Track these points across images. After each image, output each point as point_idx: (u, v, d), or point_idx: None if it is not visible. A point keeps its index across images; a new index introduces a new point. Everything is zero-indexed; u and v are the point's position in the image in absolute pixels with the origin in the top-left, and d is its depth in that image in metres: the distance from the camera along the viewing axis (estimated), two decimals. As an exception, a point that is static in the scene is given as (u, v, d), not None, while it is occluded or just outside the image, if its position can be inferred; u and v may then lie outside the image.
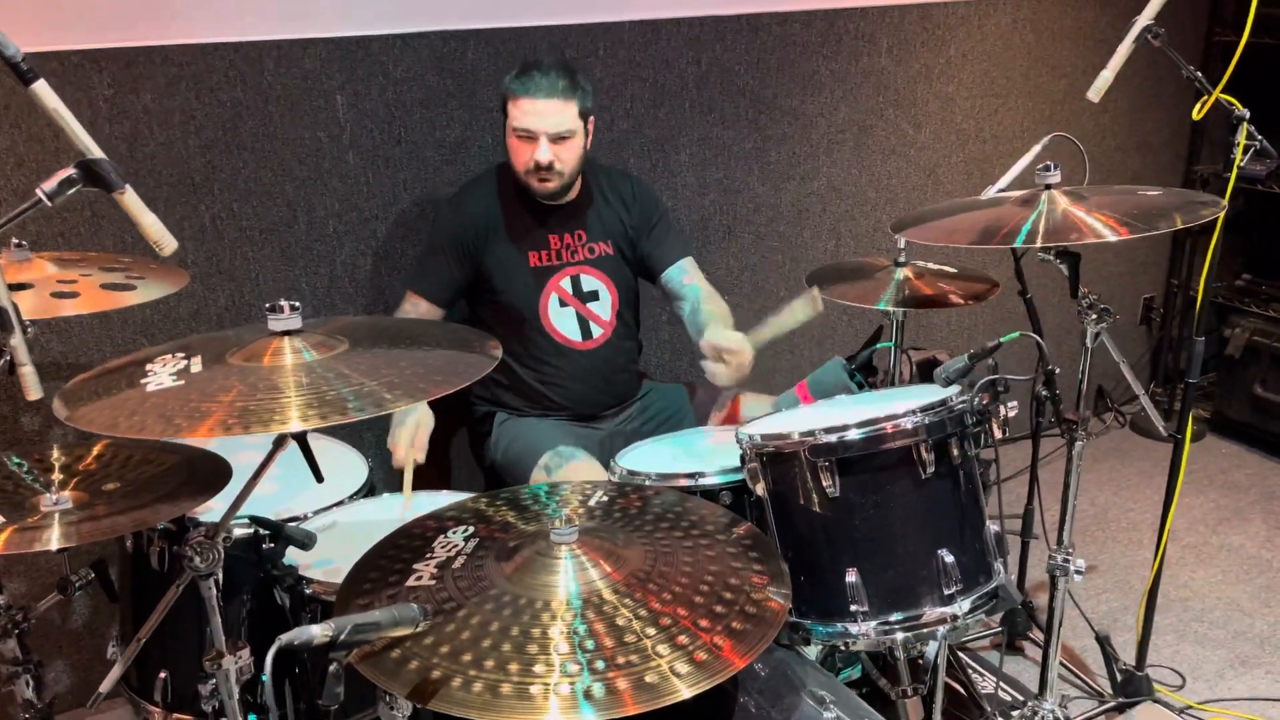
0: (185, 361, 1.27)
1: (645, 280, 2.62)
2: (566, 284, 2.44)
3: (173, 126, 2.37)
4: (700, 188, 3.03)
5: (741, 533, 1.56)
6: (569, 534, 1.45)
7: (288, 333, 1.33)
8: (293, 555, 1.73)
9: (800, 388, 2.04)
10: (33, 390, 1.48)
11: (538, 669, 1.24)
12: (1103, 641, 2.56)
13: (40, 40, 2.22)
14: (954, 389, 1.64)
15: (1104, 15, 3.55)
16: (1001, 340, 1.63)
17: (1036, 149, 2.22)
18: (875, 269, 2.33)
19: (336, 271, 2.61)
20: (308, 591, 1.70)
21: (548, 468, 2.26)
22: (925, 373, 3.22)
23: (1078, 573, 1.95)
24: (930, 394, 1.71)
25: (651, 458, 2.13)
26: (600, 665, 1.25)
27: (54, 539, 1.36)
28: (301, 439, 1.29)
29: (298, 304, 1.33)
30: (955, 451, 1.63)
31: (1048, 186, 1.83)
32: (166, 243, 1.27)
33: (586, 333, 2.46)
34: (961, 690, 2.30)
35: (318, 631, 1.01)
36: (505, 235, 2.40)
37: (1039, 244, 1.65)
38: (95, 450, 1.67)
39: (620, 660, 1.26)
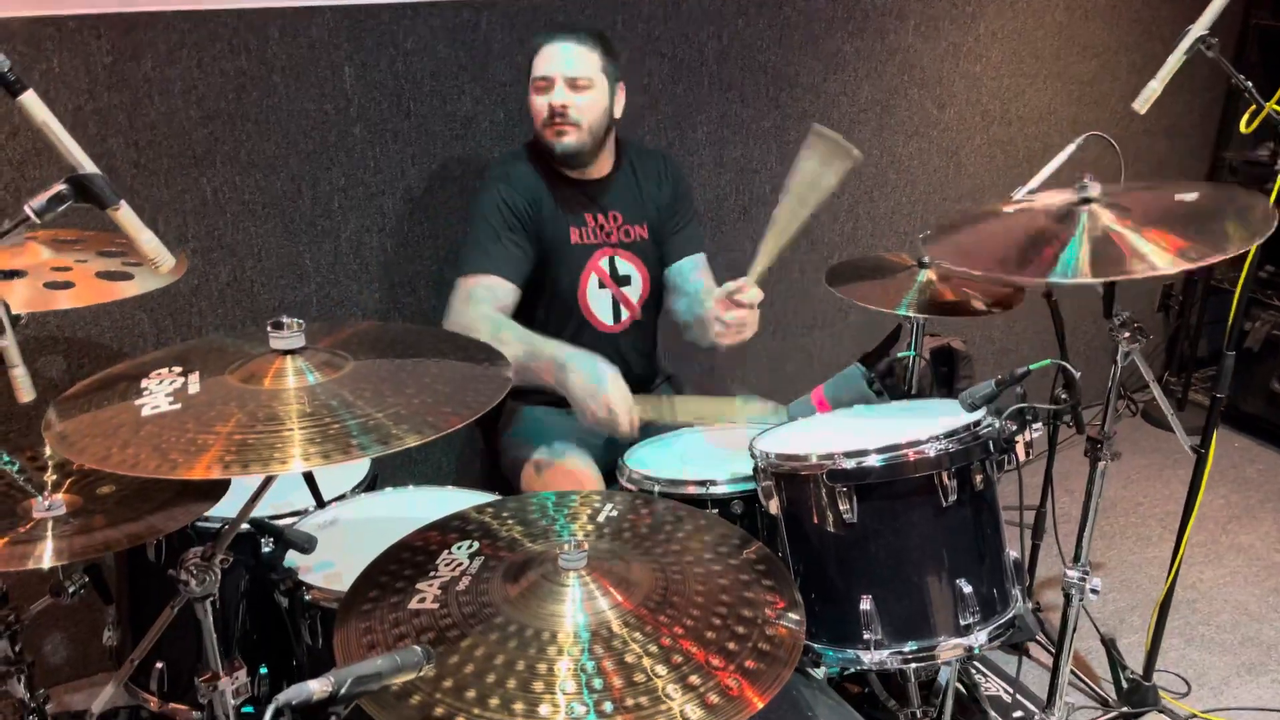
0: (183, 380, 1.21)
1: None
2: (605, 264, 2.35)
3: (174, 96, 2.28)
4: (717, 166, 2.95)
5: (753, 553, 1.51)
6: (578, 560, 1.40)
7: (290, 351, 1.26)
8: (292, 557, 1.69)
9: (817, 395, 1.98)
10: (25, 393, 1.43)
11: (543, 710, 1.20)
12: (1109, 645, 2.53)
13: (38, 4, 2.12)
14: (979, 413, 1.58)
15: (1140, -5, 3.43)
16: (1031, 368, 1.56)
17: (1070, 149, 2.12)
18: (897, 268, 2.25)
19: (341, 247, 2.54)
20: (307, 598, 1.66)
21: (538, 465, 2.21)
22: (939, 360, 3.16)
23: (1093, 592, 1.91)
24: (951, 411, 1.65)
25: (660, 460, 2.07)
26: (608, 708, 1.21)
27: (46, 555, 1.31)
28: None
29: (301, 320, 1.27)
30: (978, 479, 1.58)
31: (1086, 200, 1.75)
32: (163, 259, 1.20)
33: (617, 315, 2.40)
34: (967, 693, 2.28)
35: (316, 687, 0.97)
36: (547, 206, 2.29)
37: (1087, 276, 1.57)
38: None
39: (629, 702, 1.22)
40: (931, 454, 1.53)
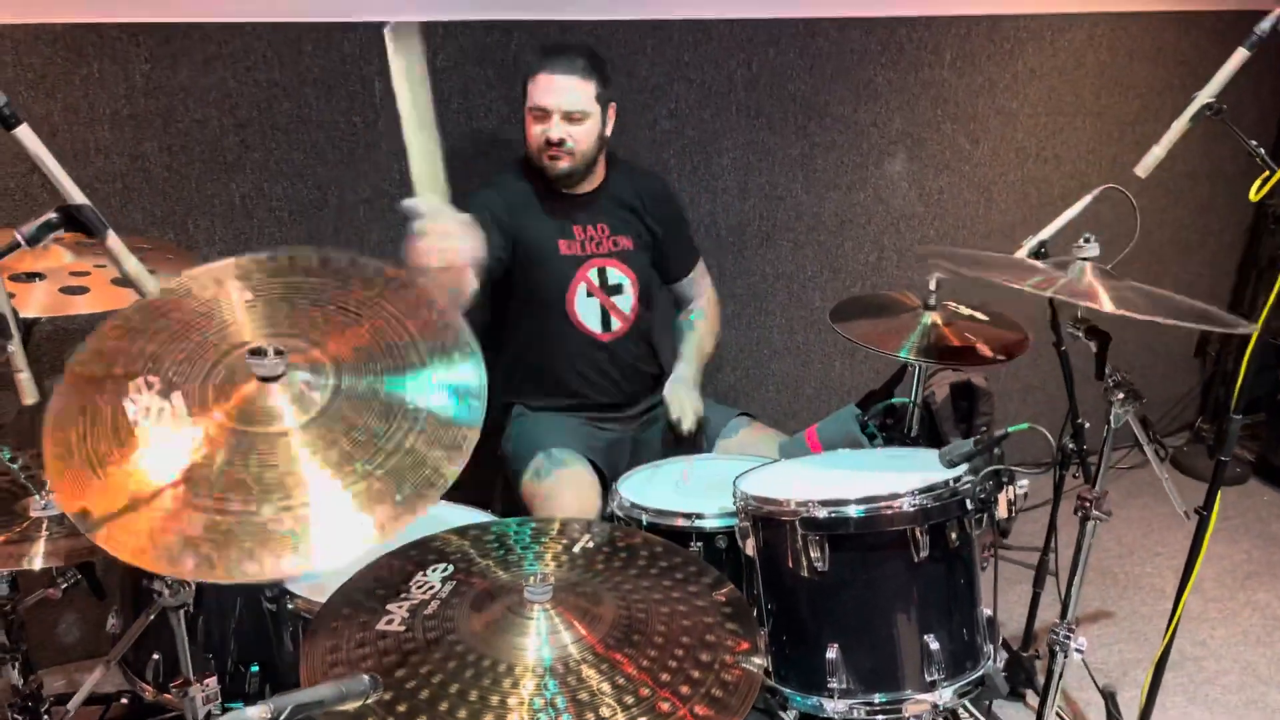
0: (164, 405, 1.24)
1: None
2: (594, 275, 2.41)
3: (208, 104, 2.35)
4: (740, 192, 2.96)
5: (723, 596, 1.53)
6: (543, 593, 1.43)
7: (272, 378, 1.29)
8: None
9: (810, 434, 1.99)
10: (28, 395, 1.49)
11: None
12: (1107, 698, 2.50)
13: (79, 12, 2.21)
14: (959, 470, 1.58)
15: (1186, 37, 3.37)
16: (1009, 430, 1.56)
17: (1086, 200, 2.11)
18: (902, 308, 2.25)
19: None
20: (290, 607, 1.71)
21: (538, 471, 2.25)
22: (960, 396, 3.15)
23: (1078, 651, 1.89)
24: (935, 465, 1.65)
25: (651, 487, 2.09)
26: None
27: (38, 556, 1.37)
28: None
29: (282, 350, 1.30)
30: (953, 535, 1.58)
31: (1085, 259, 1.74)
32: (148, 286, 1.25)
33: (606, 324, 2.44)
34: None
35: (254, 714, 1.00)
36: (536, 218, 2.37)
37: (1050, 292, 1.56)
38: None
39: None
40: (905, 508, 1.54)
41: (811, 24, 2.85)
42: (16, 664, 1.67)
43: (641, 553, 1.62)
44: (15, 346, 1.47)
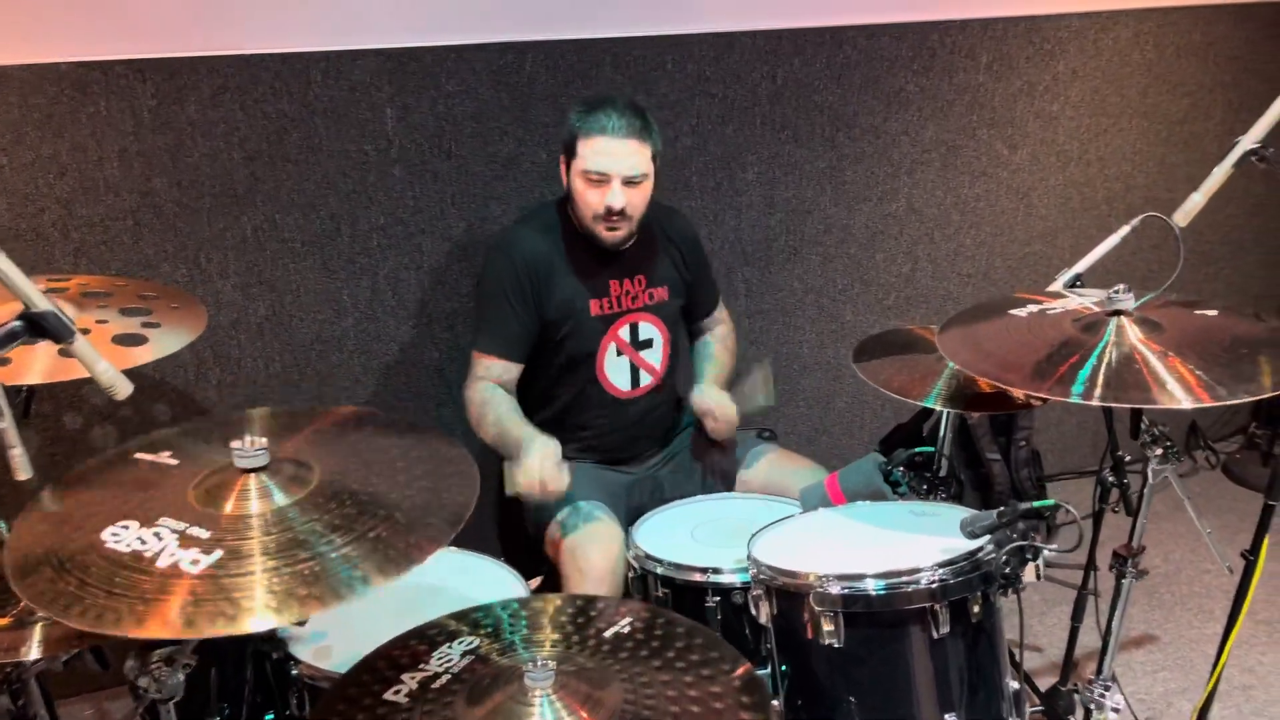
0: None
1: None
2: (625, 332, 2.29)
3: (216, 138, 2.31)
4: (766, 207, 2.87)
5: (739, 676, 1.46)
6: (544, 678, 1.38)
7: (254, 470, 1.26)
8: (285, 627, 1.71)
9: (831, 484, 1.91)
10: (22, 471, 1.46)
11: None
12: (1149, 734, 2.42)
13: (85, 50, 2.18)
14: (982, 541, 1.50)
15: (1240, 30, 3.20)
16: (1034, 505, 1.48)
17: (1124, 230, 2.00)
18: (929, 348, 2.14)
19: (379, 284, 2.56)
20: (294, 672, 1.68)
21: (564, 525, 2.18)
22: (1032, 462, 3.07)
23: (1114, 710, 1.81)
24: (957, 529, 1.57)
25: (669, 535, 2.03)
26: None
27: (33, 647, 1.35)
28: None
29: (264, 440, 1.26)
30: (975, 609, 1.50)
31: (1118, 313, 1.64)
32: (120, 388, 1.21)
33: (635, 381, 2.33)
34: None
35: None
36: (566, 281, 2.22)
37: (1096, 399, 1.47)
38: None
39: None
40: (925, 584, 1.46)
41: (838, 32, 2.74)
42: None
43: (657, 633, 1.54)
44: (6, 423, 1.44)
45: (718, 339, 2.50)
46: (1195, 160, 3.35)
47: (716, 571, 1.86)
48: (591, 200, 2.12)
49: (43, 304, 1.12)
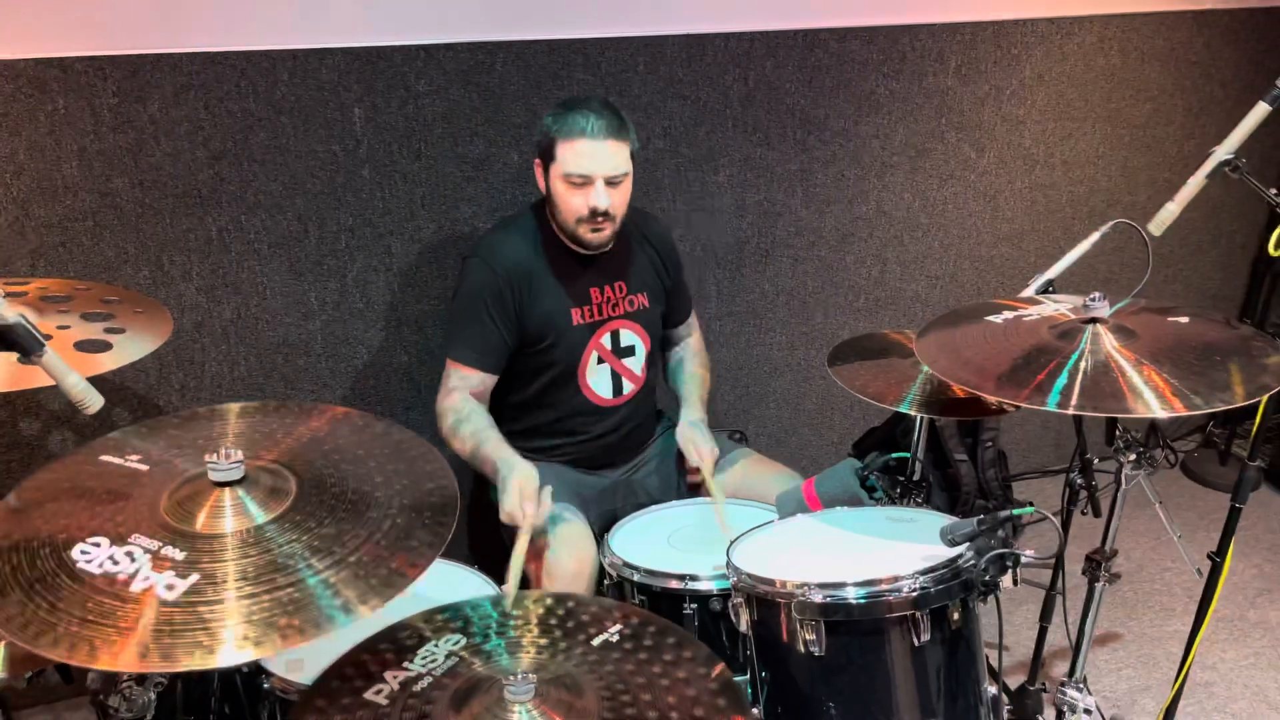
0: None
1: None
2: (606, 340, 2.27)
3: (179, 137, 2.26)
4: (738, 209, 2.86)
5: (715, 675, 1.44)
6: (525, 691, 1.36)
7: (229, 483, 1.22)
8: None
9: (808, 490, 1.91)
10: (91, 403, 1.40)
11: None
12: (1115, 732, 2.45)
13: (43, 47, 2.11)
14: (961, 548, 1.51)
15: (1199, 37, 3.25)
16: (1014, 513, 1.48)
17: (1095, 237, 2.01)
18: (905, 352, 2.15)
19: (347, 285, 2.52)
20: (265, 685, 1.64)
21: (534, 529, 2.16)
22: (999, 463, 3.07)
23: (1086, 712, 1.83)
24: (935, 536, 1.57)
25: (644, 541, 2.02)
26: None
27: (-4, 665, 1.30)
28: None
29: (239, 454, 1.23)
30: (955, 616, 1.51)
31: (1093, 320, 1.65)
32: (92, 401, 1.17)
33: (618, 389, 2.31)
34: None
35: None
36: (547, 290, 2.19)
37: (1072, 408, 1.48)
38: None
39: None
40: (906, 593, 1.46)
41: (810, 35, 2.74)
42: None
43: (646, 642, 1.52)
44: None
45: (691, 353, 2.49)
46: (1157, 164, 3.40)
47: (694, 579, 1.85)
48: (575, 203, 2.09)
49: (10, 315, 1.08)
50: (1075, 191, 3.31)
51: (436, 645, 1.48)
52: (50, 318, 1.78)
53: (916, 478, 2.14)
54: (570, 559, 2.03)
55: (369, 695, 1.38)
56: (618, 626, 1.45)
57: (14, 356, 1.65)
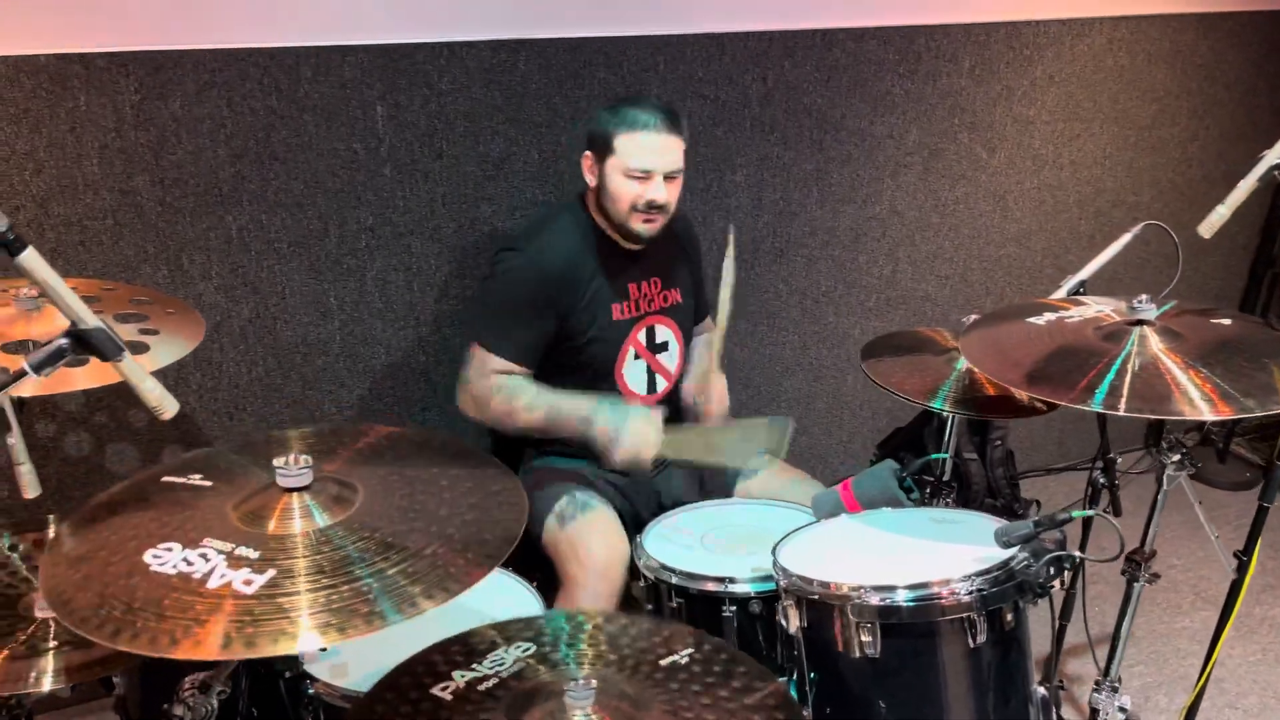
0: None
1: None
2: (642, 336, 2.27)
3: (201, 135, 2.23)
4: (754, 209, 2.86)
5: (771, 694, 1.43)
6: (585, 697, 1.35)
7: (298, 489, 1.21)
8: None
9: (845, 490, 1.91)
10: (30, 488, 1.40)
11: None
12: (1131, 725, 2.46)
13: (65, 42, 2.08)
14: (1014, 550, 1.51)
15: (1205, 39, 3.28)
16: (1073, 515, 1.49)
17: (1126, 238, 2.03)
18: (937, 349, 2.16)
19: (367, 286, 2.49)
20: (310, 691, 1.62)
21: (561, 515, 2.14)
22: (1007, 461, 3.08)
23: (1121, 710, 1.84)
24: (984, 532, 1.57)
25: (678, 543, 2.01)
26: None
27: (47, 675, 1.28)
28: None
29: (309, 459, 1.21)
30: (1009, 617, 1.52)
31: (1140, 322, 1.66)
32: (168, 407, 1.16)
33: (652, 386, 2.31)
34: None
35: None
36: (592, 286, 2.18)
37: (1122, 409, 1.49)
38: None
39: None
40: (963, 595, 1.47)
41: (829, 35, 2.74)
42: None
43: (715, 669, 1.50)
44: (15, 439, 1.37)
45: (704, 340, 2.49)
46: (1161, 165, 3.43)
47: (733, 581, 1.84)
48: (632, 195, 2.09)
49: (91, 320, 1.06)
50: (1082, 192, 3.33)
51: (507, 651, 1.47)
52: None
53: (946, 478, 2.15)
54: (602, 548, 2.03)
55: (435, 690, 1.38)
56: (688, 650, 1.44)
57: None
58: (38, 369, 1.06)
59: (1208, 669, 2.21)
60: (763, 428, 2.15)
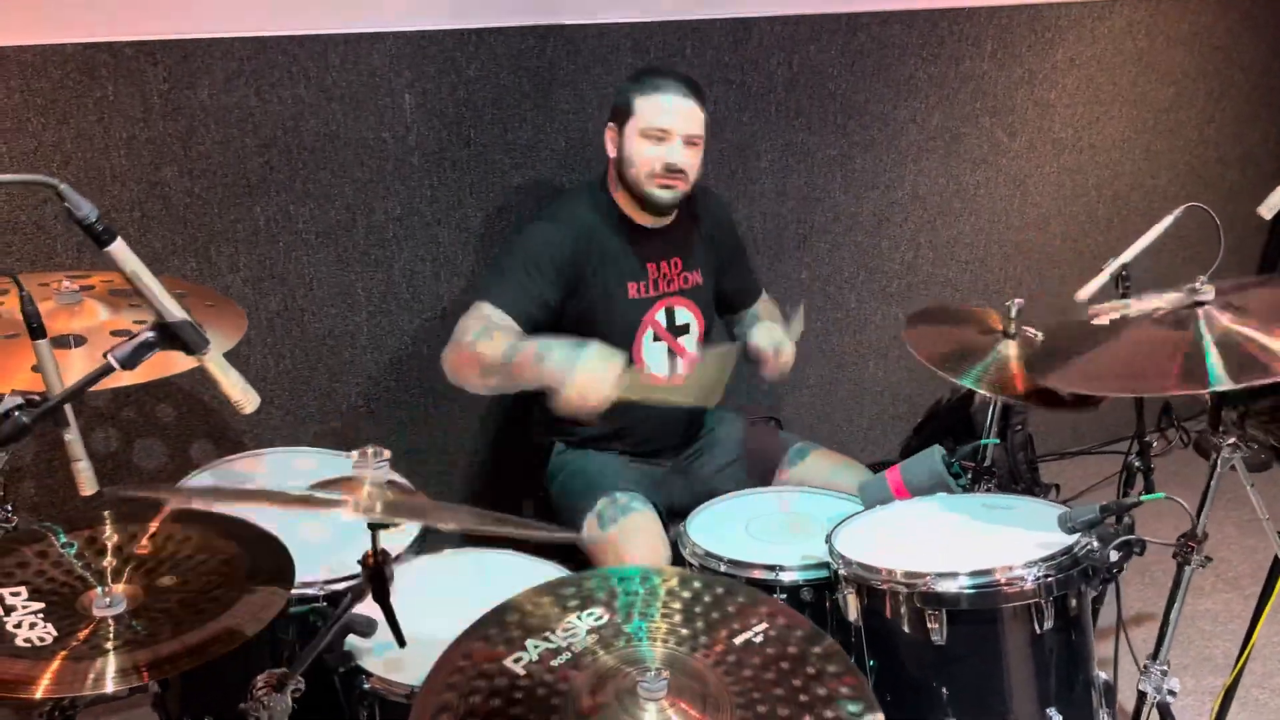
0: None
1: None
2: (661, 316, 2.25)
3: (229, 124, 2.20)
4: (779, 195, 2.84)
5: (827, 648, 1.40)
6: (659, 688, 1.34)
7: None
8: (351, 640, 1.64)
9: (894, 478, 1.89)
10: (88, 486, 1.38)
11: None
12: (1163, 713, 2.47)
13: (92, 31, 2.04)
14: (1078, 536, 1.50)
15: (1222, 21, 3.28)
16: (1142, 499, 1.49)
17: (1167, 221, 2.02)
18: (983, 327, 2.14)
19: (394, 277, 2.47)
20: (365, 686, 1.61)
21: (602, 516, 2.12)
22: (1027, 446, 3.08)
23: (1171, 693, 1.84)
24: (1041, 516, 1.57)
25: (721, 531, 2.00)
26: None
27: (108, 674, 1.26)
28: (383, 598, 1.19)
29: (388, 452, 1.19)
30: (1074, 603, 1.51)
31: (1199, 304, 1.65)
32: (250, 401, 1.13)
33: (673, 369, 2.29)
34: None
35: None
36: (607, 262, 2.17)
37: (1238, 381, 1.48)
38: (150, 528, 1.56)
39: None
40: (1030, 583, 1.46)
41: (854, 19, 2.72)
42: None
43: (790, 649, 1.48)
44: (73, 435, 1.35)
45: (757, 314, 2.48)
46: (1178, 148, 3.43)
47: (782, 569, 1.83)
48: (650, 156, 2.09)
49: (178, 314, 1.04)
50: (1101, 175, 3.33)
51: (579, 619, 1.45)
52: (124, 313, 1.73)
53: (988, 463, 2.14)
54: (645, 549, 2.01)
55: (508, 663, 1.35)
56: (763, 625, 1.41)
57: (96, 352, 1.61)
58: (126, 364, 1.04)
59: (1248, 648, 2.21)
60: (720, 356, 2.10)
